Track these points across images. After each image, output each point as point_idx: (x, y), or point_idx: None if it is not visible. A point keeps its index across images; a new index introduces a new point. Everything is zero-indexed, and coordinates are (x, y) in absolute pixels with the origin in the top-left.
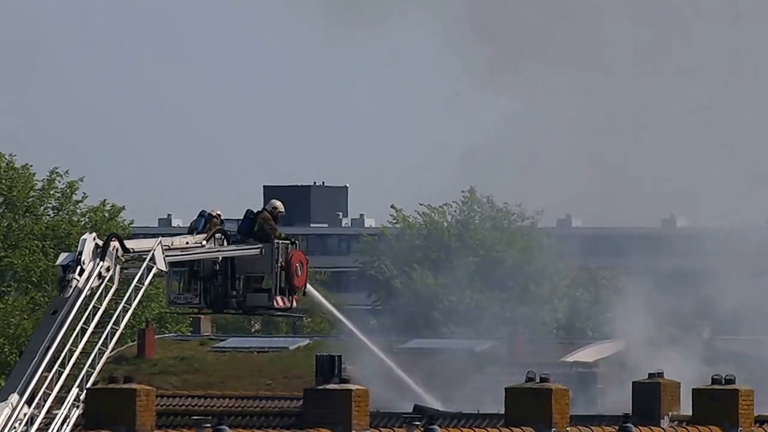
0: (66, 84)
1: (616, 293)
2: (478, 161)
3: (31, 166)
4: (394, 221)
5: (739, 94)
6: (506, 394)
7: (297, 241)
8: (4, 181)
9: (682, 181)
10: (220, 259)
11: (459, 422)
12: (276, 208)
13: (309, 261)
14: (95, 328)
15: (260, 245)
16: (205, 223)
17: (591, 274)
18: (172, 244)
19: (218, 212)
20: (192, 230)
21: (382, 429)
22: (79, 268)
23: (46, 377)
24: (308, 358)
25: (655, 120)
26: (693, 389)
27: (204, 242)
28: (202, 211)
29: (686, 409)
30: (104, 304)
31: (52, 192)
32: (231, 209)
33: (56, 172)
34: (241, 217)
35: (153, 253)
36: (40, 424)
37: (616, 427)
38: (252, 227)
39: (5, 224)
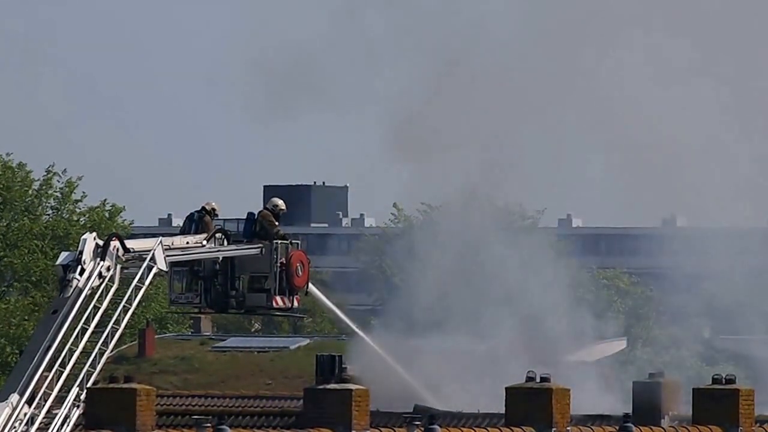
0: (66, 82)
1: (618, 293)
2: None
3: (26, 165)
4: (396, 221)
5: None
6: (506, 394)
7: (298, 241)
8: (1, 180)
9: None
10: (221, 258)
11: (459, 422)
12: (277, 205)
13: (311, 261)
14: (96, 327)
15: (260, 245)
16: (197, 225)
17: (591, 274)
18: (172, 244)
19: (213, 205)
20: (183, 233)
21: (382, 429)
22: (79, 267)
23: (47, 377)
24: (308, 358)
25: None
26: (693, 389)
27: (204, 242)
28: (191, 213)
29: (686, 408)
30: (105, 303)
31: (50, 192)
32: (231, 209)
33: (51, 171)
34: (242, 218)
35: (153, 253)
36: (41, 423)
37: (617, 427)
38: (254, 228)
39: (4, 224)
